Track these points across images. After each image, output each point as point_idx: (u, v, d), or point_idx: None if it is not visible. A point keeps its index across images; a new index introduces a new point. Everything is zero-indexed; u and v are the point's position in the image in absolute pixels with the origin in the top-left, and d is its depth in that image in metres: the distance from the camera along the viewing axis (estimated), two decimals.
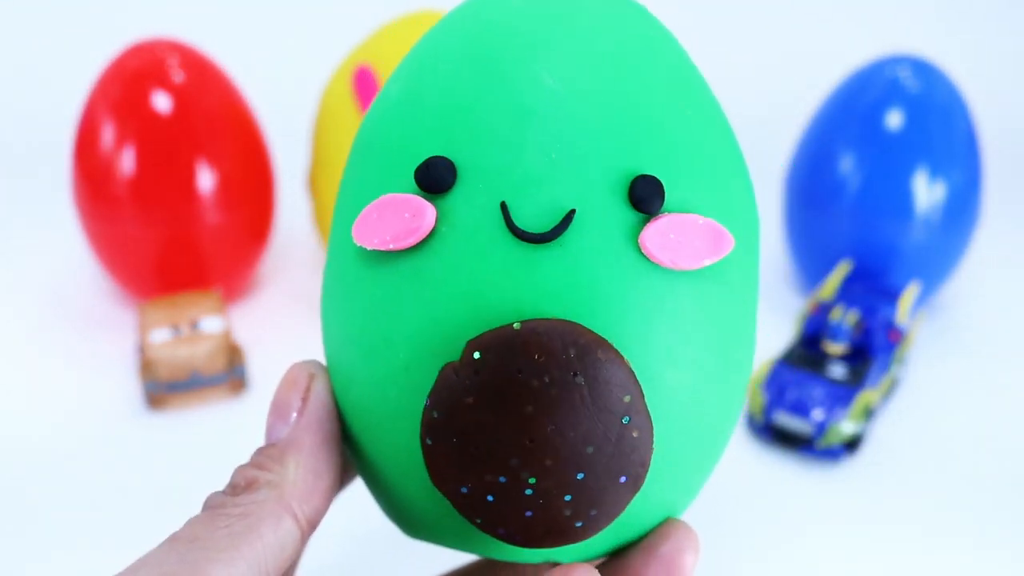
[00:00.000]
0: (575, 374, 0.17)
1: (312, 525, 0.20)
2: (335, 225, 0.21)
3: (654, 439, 0.18)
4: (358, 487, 0.23)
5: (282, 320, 0.50)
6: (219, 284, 0.49)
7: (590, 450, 0.17)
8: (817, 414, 0.40)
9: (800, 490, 0.39)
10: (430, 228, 0.18)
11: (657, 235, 0.18)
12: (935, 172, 0.47)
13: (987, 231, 0.54)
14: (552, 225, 0.18)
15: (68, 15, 0.82)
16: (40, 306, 0.52)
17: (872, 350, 0.43)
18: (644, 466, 0.18)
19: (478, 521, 0.18)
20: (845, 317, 0.43)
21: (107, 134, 0.46)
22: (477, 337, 0.17)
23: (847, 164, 0.48)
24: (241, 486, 0.19)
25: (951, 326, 0.51)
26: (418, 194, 0.19)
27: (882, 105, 0.48)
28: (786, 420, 0.40)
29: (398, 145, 0.19)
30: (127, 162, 0.46)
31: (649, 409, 0.18)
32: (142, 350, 0.43)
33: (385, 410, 0.19)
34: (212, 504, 0.19)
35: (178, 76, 0.47)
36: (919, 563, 0.36)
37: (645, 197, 0.18)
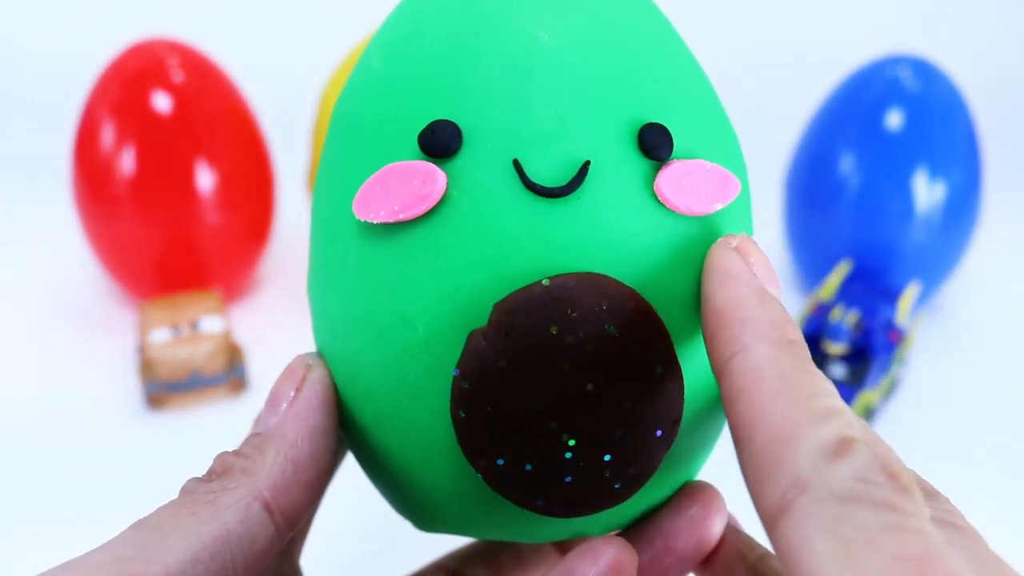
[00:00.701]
0: (608, 325, 0.17)
1: (290, 520, 0.19)
2: (321, 206, 0.20)
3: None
4: (352, 485, 0.23)
5: (282, 320, 0.50)
6: (219, 284, 0.49)
7: (627, 404, 0.17)
8: None
9: None
10: (442, 193, 0.18)
11: (671, 181, 0.18)
12: (935, 172, 0.47)
13: (987, 231, 0.54)
14: (568, 178, 0.17)
15: (68, 15, 0.82)
16: (40, 306, 0.52)
17: (872, 350, 0.43)
18: (677, 418, 0.18)
19: (514, 495, 0.18)
20: (845, 317, 0.43)
21: (107, 134, 0.46)
22: (504, 299, 0.17)
23: (847, 164, 0.48)
24: (217, 472, 0.19)
25: (951, 326, 0.51)
26: (424, 160, 0.18)
27: (882, 105, 0.48)
28: None
29: (393, 114, 0.19)
30: (127, 162, 0.46)
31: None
32: (142, 350, 0.43)
33: (404, 392, 0.18)
34: (185, 490, 0.19)
35: (178, 76, 0.47)
36: None
37: (656, 144, 0.18)
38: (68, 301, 0.52)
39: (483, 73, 0.18)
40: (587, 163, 0.18)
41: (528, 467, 0.17)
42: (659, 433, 0.18)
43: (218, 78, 0.48)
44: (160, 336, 0.44)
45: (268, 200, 0.51)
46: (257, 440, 0.19)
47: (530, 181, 0.17)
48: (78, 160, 0.47)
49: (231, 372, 0.44)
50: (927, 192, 0.47)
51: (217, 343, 0.43)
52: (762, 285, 0.17)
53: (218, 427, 0.43)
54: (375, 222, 0.18)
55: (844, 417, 0.15)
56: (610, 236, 0.18)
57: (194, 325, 0.44)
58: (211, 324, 0.44)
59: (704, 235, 0.18)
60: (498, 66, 0.18)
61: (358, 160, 0.19)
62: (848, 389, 0.41)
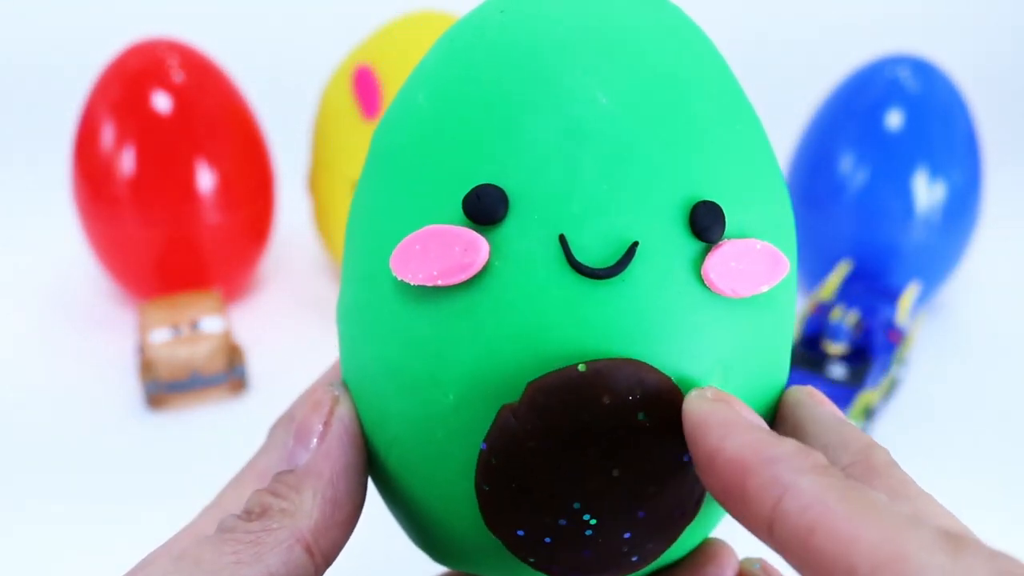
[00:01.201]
0: (640, 414, 0.17)
1: (328, 559, 0.19)
2: (357, 246, 0.20)
3: None
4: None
5: (282, 320, 0.50)
6: (219, 284, 0.49)
7: (652, 490, 0.17)
8: None
9: None
10: (483, 263, 0.17)
11: (720, 265, 0.17)
12: (935, 172, 0.47)
13: (987, 231, 0.54)
14: (615, 259, 0.17)
15: (68, 15, 0.82)
16: (40, 306, 0.52)
17: (872, 350, 0.43)
18: (700, 498, 0.18)
19: (532, 561, 0.18)
20: (845, 317, 0.43)
21: (107, 134, 0.46)
22: (539, 379, 0.16)
23: (847, 164, 0.48)
24: (256, 512, 0.18)
25: (951, 326, 0.51)
26: (466, 225, 0.17)
27: (882, 105, 0.48)
28: None
29: (438, 168, 0.18)
30: (127, 162, 0.46)
31: None
32: (142, 350, 0.43)
33: (430, 450, 0.18)
34: (224, 527, 0.18)
35: (178, 76, 0.47)
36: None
37: (708, 226, 0.17)
38: (68, 301, 0.52)
39: (535, 134, 0.17)
40: (635, 244, 0.17)
41: (547, 540, 0.17)
42: (678, 513, 0.18)
43: (218, 78, 0.48)
44: (160, 336, 0.44)
45: (268, 200, 0.51)
46: (292, 479, 0.19)
47: (575, 260, 0.17)
48: (78, 160, 0.47)
49: (231, 372, 0.44)
50: (927, 192, 0.47)
51: (217, 343, 0.43)
52: (763, 424, 0.16)
53: (218, 427, 0.43)
54: (413, 284, 0.17)
55: (929, 513, 0.15)
56: (651, 320, 0.17)
57: (194, 325, 0.44)
58: (211, 324, 0.44)
59: (746, 317, 0.18)
60: (552, 128, 0.17)
61: (398, 210, 0.18)
62: (848, 389, 0.41)
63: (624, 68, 0.18)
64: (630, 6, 0.19)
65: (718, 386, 0.18)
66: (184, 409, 0.44)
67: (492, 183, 0.17)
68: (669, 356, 0.17)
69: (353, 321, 0.20)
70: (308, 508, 0.18)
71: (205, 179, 0.47)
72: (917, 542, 0.13)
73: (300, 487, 0.19)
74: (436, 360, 0.18)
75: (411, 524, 0.21)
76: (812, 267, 0.51)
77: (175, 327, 0.44)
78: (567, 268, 0.17)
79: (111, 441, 0.42)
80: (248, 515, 0.18)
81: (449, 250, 0.17)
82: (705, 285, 0.17)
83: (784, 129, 0.59)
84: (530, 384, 0.16)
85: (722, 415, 0.16)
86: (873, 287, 0.46)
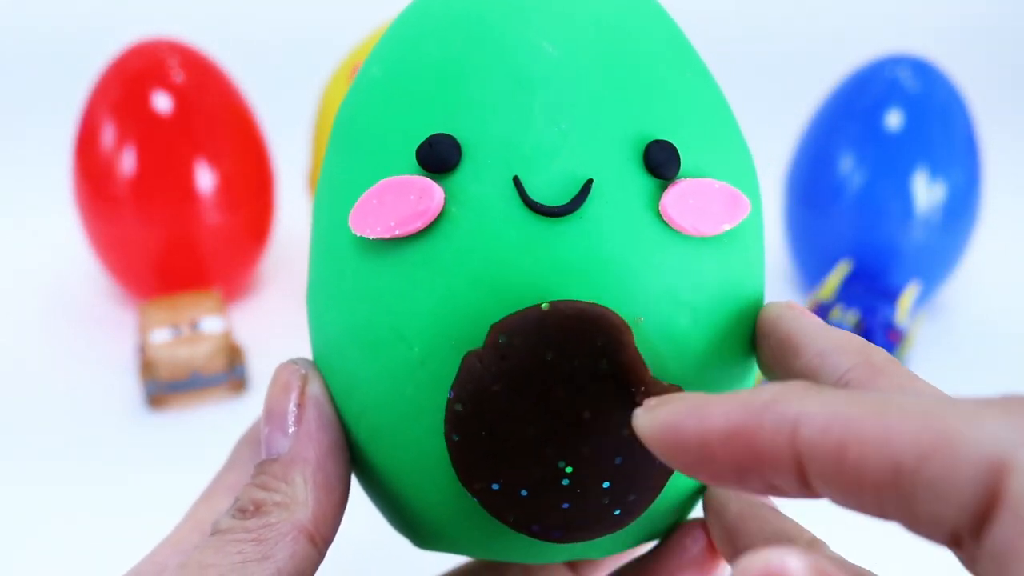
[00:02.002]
0: (603, 360, 0.17)
1: (328, 542, 0.19)
2: (320, 217, 0.20)
3: None
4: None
5: (282, 320, 0.50)
6: (219, 284, 0.49)
7: (626, 433, 0.17)
8: None
9: None
10: (439, 209, 0.17)
11: (677, 201, 0.17)
12: (935, 172, 0.47)
13: (987, 231, 0.54)
14: (570, 197, 0.17)
15: (68, 15, 0.82)
16: (40, 306, 0.52)
17: None
18: None
19: (510, 519, 0.17)
20: (845, 317, 0.43)
21: (107, 134, 0.46)
22: (501, 321, 0.16)
23: (847, 164, 0.48)
24: (250, 510, 0.18)
25: (951, 326, 0.51)
26: (421, 175, 0.17)
27: (882, 105, 0.48)
28: None
29: (391, 126, 0.18)
30: (127, 162, 0.46)
31: (678, 381, 0.17)
32: (142, 350, 0.43)
33: (399, 410, 0.18)
34: (221, 529, 0.18)
35: (178, 76, 0.47)
36: (918, 560, 0.36)
37: (662, 162, 0.17)
38: (68, 301, 0.52)
39: (484, 85, 0.18)
40: (589, 181, 0.17)
41: (523, 493, 0.17)
42: (659, 462, 0.17)
43: (218, 78, 0.48)
44: (160, 336, 0.44)
45: (268, 200, 0.51)
46: (278, 468, 0.18)
47: (530, 199, 0.17)
48: (79, 160, 0.47)
49: (231, 372, 0.44)
50: (927, 192, 0.47)
51: (217, 343, 0.43)
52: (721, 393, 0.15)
53: (218, 427, 0.43)
54: (371, 238, 0.18)
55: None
56: (612, 257, 0.17)
57: (194, 325, 0.44)
58: (211, 324, 0.44)
59: (711, 256, 0.18)
60: (500, 78, 0.18)
61: (355, 172, 0.19)
62: None
63: (569, 20, 0.18)
64: None
65: (688, 327, 0.18)
66: (184, 409, 0.44)
67: (443, 132, 0.17)
68: (633, 294, 0.17)
69: (318, 294, 0.20)
70: (303, 497, 0.18)
71: (205, 179, 0.47)
72: (958, 418, 0.12)
73: (288, 476, 0.18)
74: (398, 314, 0.18)
75: (388, 502, 0.20)
76: (812, 267, 0.51)
77: (175, 327, 0.44)
78: (523, 209, 0.17)
79: (111, 441, 0.42)
80: (243, 513, 0.18)
81: (404, 199, 0.17)
82: (664, 222, 0.17)
83: (784, 129, 0.59)
84: (493, 326, 0.16)
85: (681, 406, 0.15)
86: (873, 287, 0.46)
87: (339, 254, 0.19)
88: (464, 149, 0.17)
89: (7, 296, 0.52)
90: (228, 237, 0.48)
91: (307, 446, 0.19)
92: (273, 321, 0.50)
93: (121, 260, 0.49)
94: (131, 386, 0.45)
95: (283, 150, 0.54)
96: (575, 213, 0.17)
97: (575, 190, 0.17)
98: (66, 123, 0.51)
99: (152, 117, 0.46)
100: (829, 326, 0.18)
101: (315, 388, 0.19)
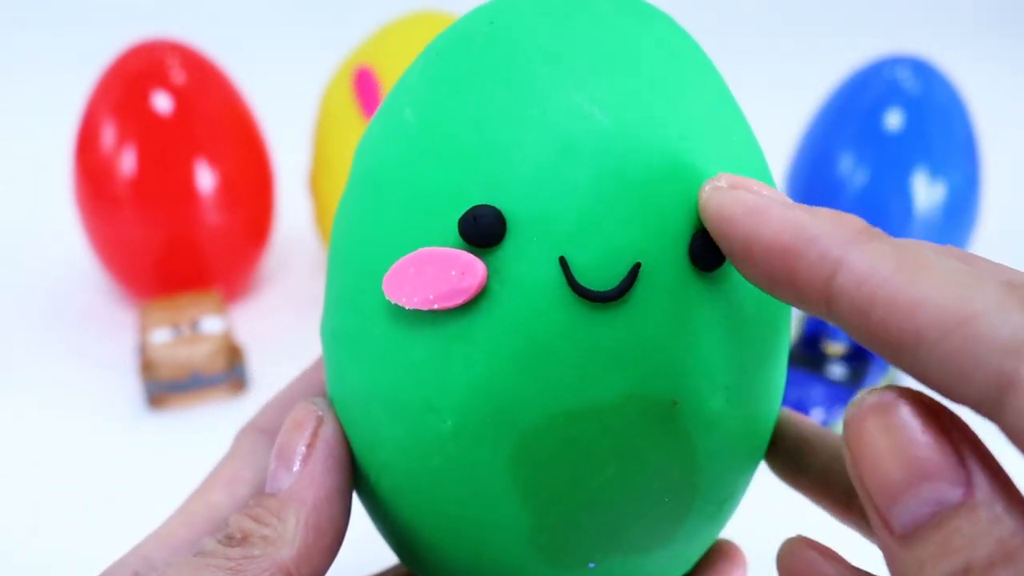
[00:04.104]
0: None
1: None
2: (343, 266, 0.19)
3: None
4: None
5: (282, 320, 0.50)
6: (219, 284, 0.49)
7: None
8: (817, 414, 0.40)
9: None
10: (481, 287, 0.16)
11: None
12: (935, 172, 0.47)
13: (987, 231, 0.54)
14: (617, 280, 0.16)
15: (68, 15, 0.83)
16: (40, 306, 0.52)
17: None
18: None
19: None
20: None
21: (108, 134, 0.46)
22: None
23: (847, 164, 0.48)
24: (237, 538, 0.18)
25: None
26: (462, 247, 0.17)
27: (882, 105, 0.48)
28: None
29: (430, 187, 0.17)
30: (128, 162, 0.46)
31: (705, 459, 0.18)
32: (142, 350, 0.43)
33: (425, 477, 0.18)
34: (205, 551, 0.18)
35: (178, 77, 0.47)
36: None
37: (706, 258, 0.17)
38: (68, 301, 0.52)
39: (529, 151, 0.17)
40: (637, 265, 0.16)
41: None
42: None
43: (218, 78, 0.48)
44: (160, 336, 0.44)
45: (268, 200, 0.51)
46: (274, 504, 0.18)
47: (577, 283, 0.16)
48: (79, 160, 0.47)
49: (231, 372, 0.44)
50: (927, 192, 0.47)
51: (217, 343, 0.43)
52: (786, 199, 0.15)
53: (218, 427, 0.43)
54: (407, 307, 0.17)
55: (990, 269, 0.14)
56: (656, 345, 0.17)
57: (194, 325, 0.44)
58: (211, 324, 0.44)
59: (748, 336, 0.18)
60: (547, 146, 0.17)
61: (388, 231, 0.18)
62: (848, 389, 0.41)
63: (617, 80, 0.17)
64: (620, 17, 0.18)
65: (721, 408, 0.18)
66: (184, 409, 0.44)
67: (487, 203, 0.17)
68: (673, 380, 0.17)
69: (340, 343, 0.19)
70: (290, 536, 0.18)
71: (205, 179, 0.47)
72: (983, 301, 0.13)
73: (282, 513, 0.18)
74: (432, 386, 0.17)
75: (401, 547, 0.20)
76: None
77: (175, 327, 0.44)
78: (568, 291, 0.16)
79: (111, 441, 0.42)
80: (229, 540, 0.18)
81: (445, 273, 0.17)
82: (707, 307, 0.17)
83: (784, 129, 0.59)
84: None
85: (745, 202, 0.15)
86: None
87: (366, 311, 0.18)
88: (508, 223, 0.17)
89: (7, 296, 0.52)
90: (228, 237, 0.48)
91: (308, 487, 0.18)
92: (273, 321, 0.50)
93: (121, 260, 0.49)
94: (131, 386, 0.45)
95: (283, 150, 0.54)
96: (622, 299, 0.16)
97: (622, 272, 0.16)
98: (66, 123, 0.51)
99: (152, 117, 0.46)
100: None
101: (328, 431, 0.19)
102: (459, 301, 0.17)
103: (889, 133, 0.47)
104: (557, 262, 0.16)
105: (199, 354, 0.43)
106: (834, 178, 0.48)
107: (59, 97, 0.61)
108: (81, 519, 0.37)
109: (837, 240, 0.14)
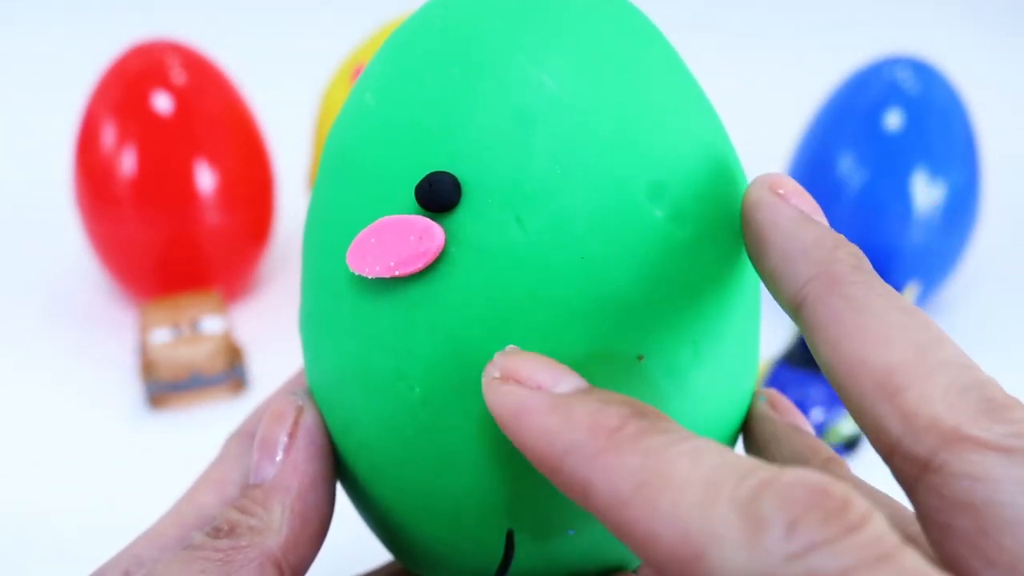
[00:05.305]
0: None
1: (298, 574, 0.19)
2: (313, 248, 0.20)
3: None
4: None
5: (282, 320, 0.50)
6: (219, 284, 0.49)
7: None
8: (816, 414, 0.40)
9: None
10: (439, 250, 0.17)
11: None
12: (935, 173, 0.47)
13: (987, 231, 0.54)
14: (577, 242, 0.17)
15: (68, 16, 0.83)
16: (40, 306, 0.52)
17: None
18: None
19: None
20: None
21: (108, 135, 0.46)
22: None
23: (847, 164, 0.48)
24: (224, 530, 0.18)
25: (951, 326, 0.51)
26: (420, 214, 0.17)
27: (881, 106, 0.48)
28: None
29: (388, 160, 0.18)
30: (128, 163, 0.46)
31: (679, 416, 0.18)
32: (142, 350, 0.44)
33: (400, 450, 0.18)
34: (192, 544, 0.18)
35: (179, 77, 0.47)
36: None
37: (662, 208, 0.17)
38: (68, 301, 0.52)
39: (484, 120, 0.17)
40: (592, 221, 0.17)
41: None
42: None
43: (219, 79, 0.48)
44: (161, 336, 0.44)
45: (268, 200, 0.51)
46: (259, 494, 0.19)
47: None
48: (79, 161, 0.47)
49: (231, 372, 0.44)
50: (927, 192, 0.47)
51: (217, 343, 0.43)
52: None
53: (218, 427, 0.43)
54: (370, 276, 0.17)
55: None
56: (615, 298, 0.17)
57: (194, 325, 0.44)
58: (211, 324, 0.44)
59: (713, 290, 0.18)
60: (499, 114, 0.17)
61: (351, 207, 0.18)
62: None
63: (568, 51, 0.18)
64: None
65: (690, 362, 0.18)
66: (184, 409, 0.44)
67: (445, 171, 0.17)
68: (636, 333, 0.17)
69: (314, 326, 0.19)
70: (277, 524, 0.18)
71: (206, 179, 0.47)
72: (709, 535, 0.12)
73: (268, 502, 0.18)
74: (399, 353, 0.17)
75: (384, 530, 0.20)
76: None
77: (175, 327, 0.44)
78: (527, 249, 0.17)
79: (111, 441, 0.42)
80: (216, 532, 0.18)
81: (404, 239, 0.17)
82: (670, 260, 0.17)
83: (784, 129, 0.59)
84: None
85: (507, 404, 0.15)
86: None
87: (335, 289, 0.19)
88: (464, 188, 0.17)
89: (7, 296, 0.52)
90: (228, 237, 0.49)
91: (291, 476, 0.19)
92: (273, 321, 0.50)
93: (121, 260, 0.49)
94: (131, 386, 0.45)
95: (283, 150, 0.54)
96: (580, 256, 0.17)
97: (582, 232, 0.17)
98: (66, 123, 0.51)
99: (152, 118, 0.46)
100: (806, 219, 0.17)
101: (308, 419, 0.19)
102: (419, 266, 0.17)
103: (889, 133, 0.47)
104: (513, 222, 0.17)
105: (199, 354, 0.43)
106: (834, 178, 0.48)
107: (59, 97, 0.61)
108: (81, 519, 0.38)
109: (586, 454, 0.14)
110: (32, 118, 0.69)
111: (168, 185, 0.46)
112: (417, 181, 0.17)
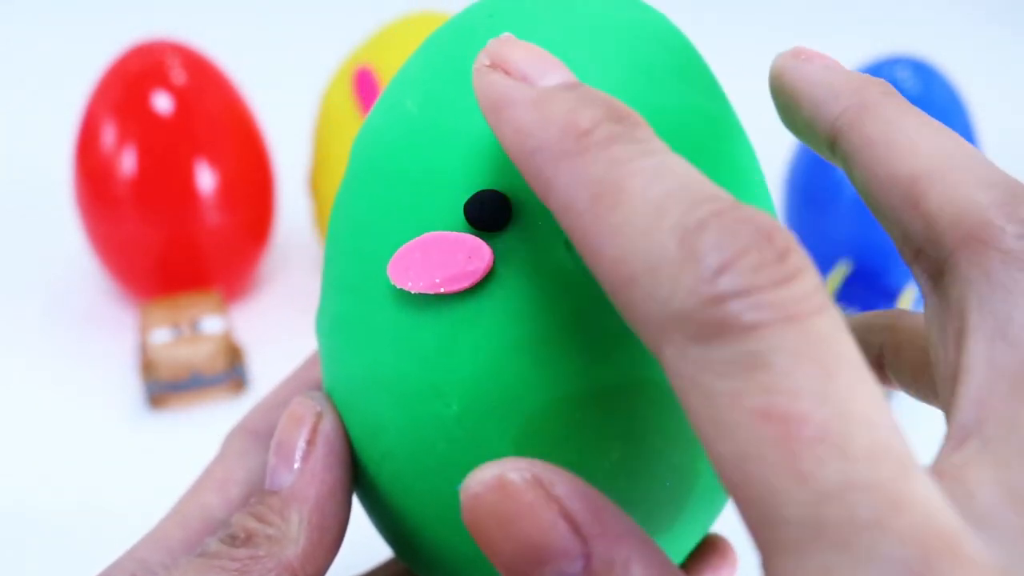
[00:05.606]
0: None
1: None
2: (342, 255, 0.19)
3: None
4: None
5: (282, 320, 0.50)
6: (219, 284, 0.49)
7: None
8: None
9: None
10: (488, 269, 0.17)
11: None
12: None
13: None
14: None
15: (68, 16, 0.83)
16: (40, 306, 0.52)
17: None
18: None
19: None
20: None
21: (108, 135, 0.46)
22: None
23: None
24: (241, 538, 0.18)
25: None
26: (467, 231, 0.17)
27: None
28: None
29: (433, 172, 0.17)
30: (128, 163, 0.46)
31: None
32: (142, 350, 0.44)
33: (428, 463, 0.18)
34: (208, 552, 0.18)
35: (179, 77, 0.47)
36: None
37: None
38: (68, 301, 0.52)
39: None
40: None
41: None
42: None
43: (219, 79, 0.48)
44: (161, 336, 0.44)
45: (268, 201, 0.51)
46: (276, 502, 0.18)
47: (582, 265, 0.16)
48: (79, 161, 0.47)
49: (231, 372, 0.44)
50: None
51: (217, 343, 0.43)
52: (535, 87, 0.14)
53: (219, 427, 0.42)
54: (413, 291, 0.17)
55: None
56: None
57: (194, 325, 0.44)
58: (211, 324, 0.44)
59: None
60: None
61: (392, 217, 0.18)
62: None
63: (615, 68, 0.17)
64: (618, 11, 0.19)
65: None
66: (184, 409, 0.44)
67: (493, 188, 0.17)
68: None
69: (340, 331, 0.19)
70: (295, 534, 0.18)
71: (206, 180, 0.47)
72: (647, 257, 0.12)
73: (285, 512, 0.18)
74: (437, 369, 0.17)
75: (401, 541, 0.20)
76: None
77: (175, 327, 0.44)
78: (574, 274, 0.16)
79: (111, 441, 0.42)
80: (233, 540, 0.18)
81: (453, 257, 0.17)
82: None
83: (784, 129, 0.59)
84: None
85: (489, 94, 0.14)
86: (873, 287, 0.46)
87: (369, 297, 0.18)
88: (514, 208, 0.17)
89: (7, 296, 0.52)
90: (228, 237, 0.49)
91: (309, 485, 0.18)
92: (273, 321, 0.50)
93: (121, 260, 0.49)
94: (131, 386, 0.45)
95: (283, 150, 0.54)
96: None
97: None
98: (66, 123, 0.51)
99: (152, 118, 0.46)
100: (831, 67, 0.17)
101: (327, 426, 0.19)
102: (466, 284, 0.17)
103: None
104: (563, 245, 0.16)
105: (199, 354, 0.43)
106: (833, 178, 0.48)
107: (59, 97, 0.61)
108: (81, 519, 0.38)
109: (552, 156, 0.13)
110: (32, 118, 0.69)
111: (168, 185, 0.46)
112: (464, 196, 0.17)
